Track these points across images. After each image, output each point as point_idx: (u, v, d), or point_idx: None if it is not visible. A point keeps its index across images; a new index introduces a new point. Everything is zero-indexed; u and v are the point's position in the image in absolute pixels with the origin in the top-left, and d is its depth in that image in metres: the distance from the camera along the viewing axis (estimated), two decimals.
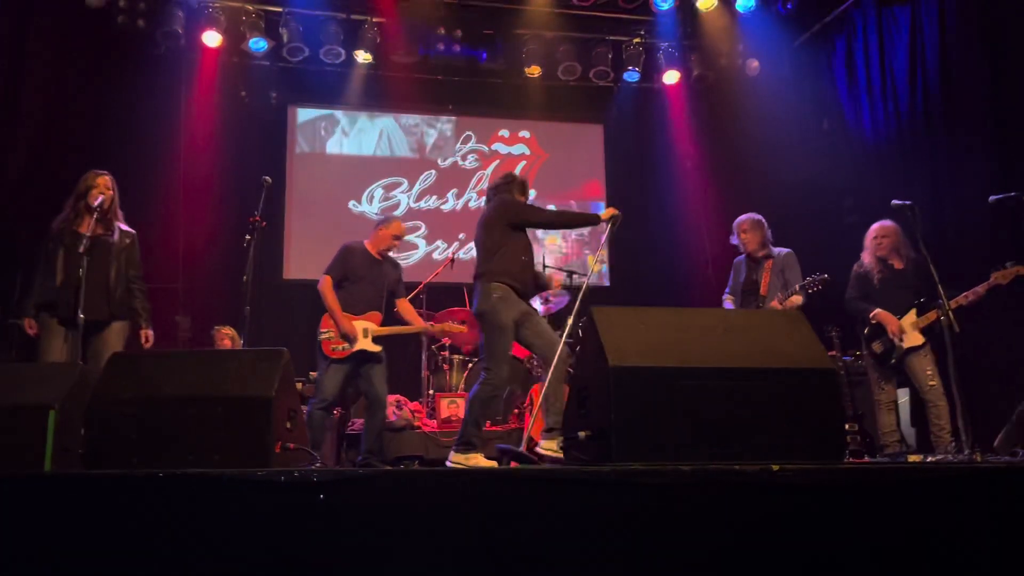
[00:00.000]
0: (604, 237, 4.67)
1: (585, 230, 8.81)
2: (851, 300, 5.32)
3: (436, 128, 9.03)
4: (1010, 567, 2.28)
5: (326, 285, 5.10)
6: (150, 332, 4.71)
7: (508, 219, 4.55)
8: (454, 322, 5.72)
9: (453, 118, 9.04)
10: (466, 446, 4.31)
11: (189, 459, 2.75)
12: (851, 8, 7.28)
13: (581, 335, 6.38)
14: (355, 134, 8.80)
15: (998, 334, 5.23)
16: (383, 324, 5.24)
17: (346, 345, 5.03)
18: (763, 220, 5.53)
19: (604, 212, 4.60)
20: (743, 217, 5.58)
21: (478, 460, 4.27)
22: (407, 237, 8.60)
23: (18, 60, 6.25)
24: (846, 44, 7.40)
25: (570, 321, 4.60)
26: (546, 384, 4.35)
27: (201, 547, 2.10)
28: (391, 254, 5.43)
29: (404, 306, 5.39)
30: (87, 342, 4.37)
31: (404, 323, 5.37)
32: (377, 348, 5.12)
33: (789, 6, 7.34)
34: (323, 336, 5.06)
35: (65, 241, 4.49)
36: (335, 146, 8.80)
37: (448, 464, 4.35)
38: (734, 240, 5.59)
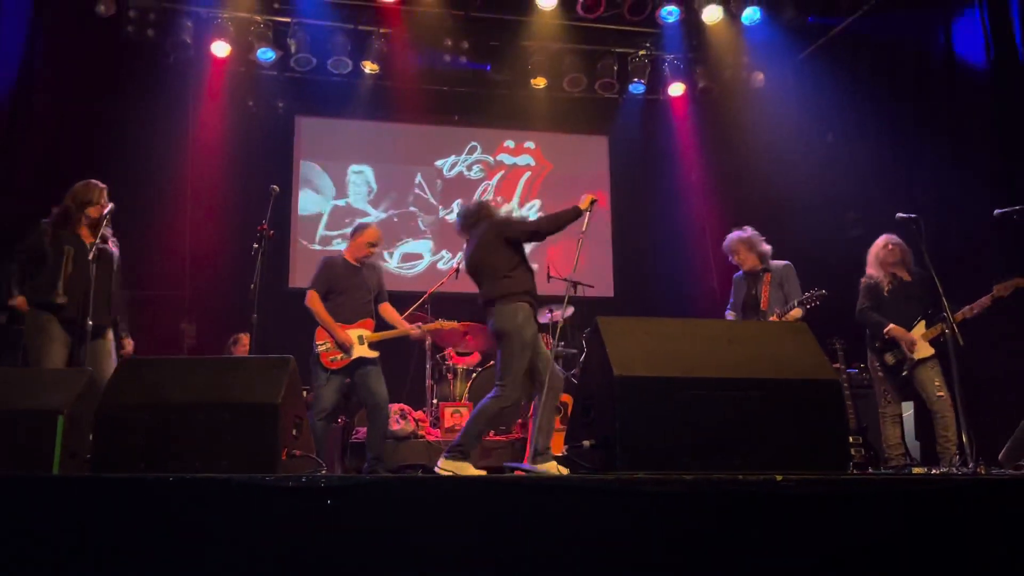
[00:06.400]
0: (584, 226, 4.50)
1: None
2: (864, 311, 5.31)
3: None
4: None
5: (314, 299, 5.10)
6: (130, 341, 4.84)
7: (504, 236, 4.51)
8: (443, 320, 5.70)
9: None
10: (459, 454, 4.25)
11: (196, 465, 2.77)
12: (855, 21, 7.31)
13: (585, 346, 6.40)
14: None
15: (1001, 346, 5.24)
16: (376, 330, 5.25)
17: (344, 355, 5.05)
18: (752, 237, 5.48)
19: (582, 201, 4.53)
20: (732, 238, 5.54)
21: (467, 470, 4.21)
22: (401, 244, 8.66)
23: (28, 69, 6.31)
24: (849, 55, 7.44)
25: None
26: (542, 406, 4.29)
27: (209, 551, 2.12)
28: (369, 260, 5.39)
29: (387, 310, 5.39)
30: (85, 347, 4.39)
31: (390, 327, 5.36)
32: (374, 354, 5.13)
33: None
34: (320, 348, 5.06)
35: (68, 243, 4.47)
36: None
37: (436, 468, 4.28)
38: (732, 260, 5.61)
